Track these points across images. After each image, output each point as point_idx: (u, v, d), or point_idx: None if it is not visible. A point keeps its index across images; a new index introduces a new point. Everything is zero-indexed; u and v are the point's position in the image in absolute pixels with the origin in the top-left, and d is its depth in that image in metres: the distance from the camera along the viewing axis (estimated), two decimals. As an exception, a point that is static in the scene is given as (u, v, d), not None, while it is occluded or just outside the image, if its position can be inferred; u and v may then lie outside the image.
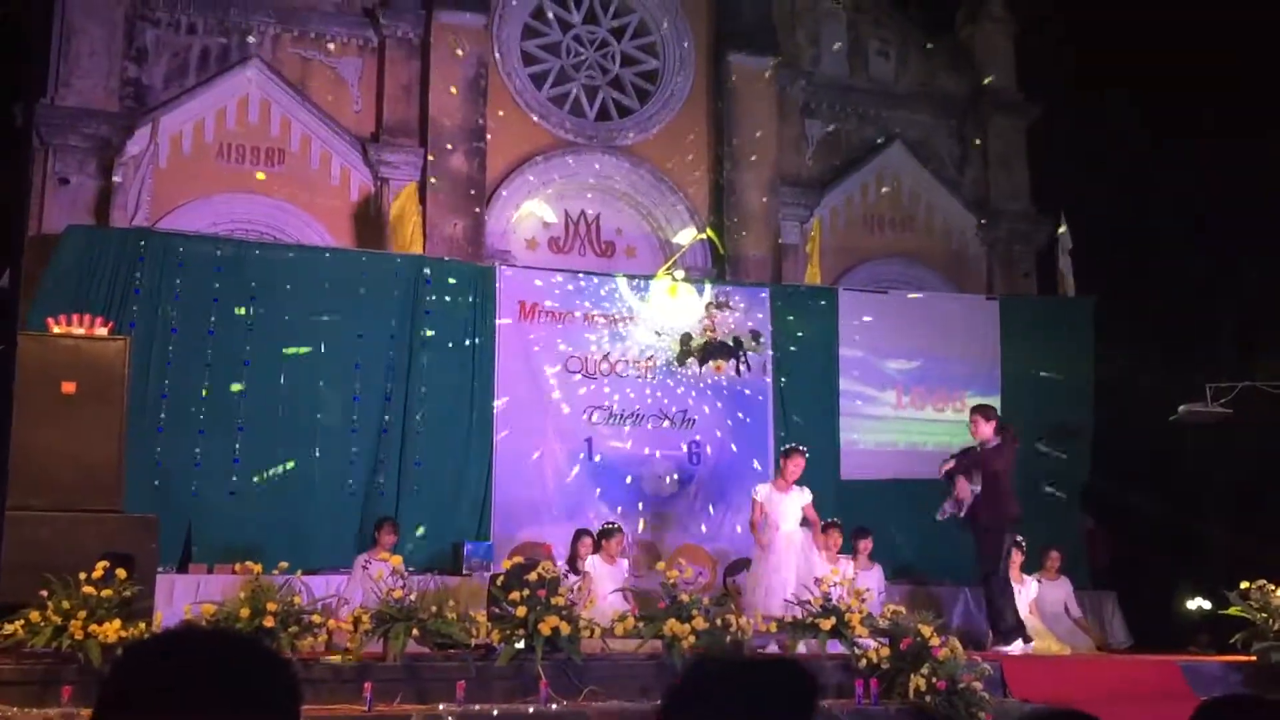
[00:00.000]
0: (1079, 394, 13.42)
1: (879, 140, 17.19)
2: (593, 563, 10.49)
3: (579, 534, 11.14)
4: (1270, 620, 9.33)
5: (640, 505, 12.19)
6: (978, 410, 10.66)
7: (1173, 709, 6.50)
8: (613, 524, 10.98)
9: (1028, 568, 11.32)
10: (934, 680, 7.91)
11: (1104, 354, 13.55)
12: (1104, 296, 13.92)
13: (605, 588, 10.11)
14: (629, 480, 12.24)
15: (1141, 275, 16.18)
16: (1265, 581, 9.62)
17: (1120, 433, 13.44)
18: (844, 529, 11.27)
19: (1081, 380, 13.45)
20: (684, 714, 1.83)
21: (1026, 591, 11.01)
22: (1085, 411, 13.44)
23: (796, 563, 10.08)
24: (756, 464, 12.53)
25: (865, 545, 11.42)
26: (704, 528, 12.40)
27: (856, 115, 17.30)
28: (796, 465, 10.44)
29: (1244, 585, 9.66)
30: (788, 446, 10.90)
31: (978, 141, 17.50)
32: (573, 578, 10.44)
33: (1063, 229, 14.21)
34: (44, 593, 7.16)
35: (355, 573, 10.19)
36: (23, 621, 7.09)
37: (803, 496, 10.42)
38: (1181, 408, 12.51)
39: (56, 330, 8.57)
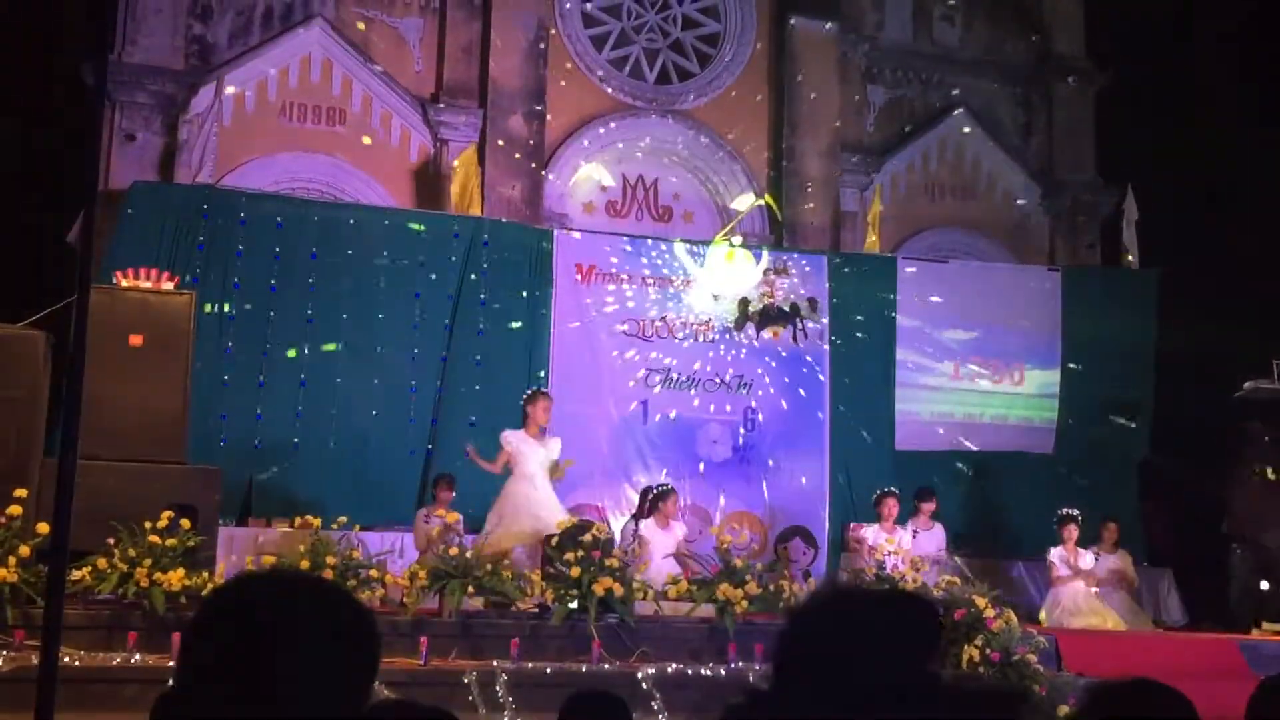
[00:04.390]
0: (1140, 368, 13.24)
1: (942, 107, 16.96)
2: (646, 526, 10.33)
3: (647, 492, 11.00)
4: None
5: (694, 470, 12.19)
6: None
7: (1231, 687, 6.43)
8: (666, 485, 10.70)
9: (1084, 541, 11.19)
10: (988, 651, 7.89)
11: (1168, 328, 13.32)
12: (1169, 269, 13.66)
13: (659, 552, 10.04)
14: (683, 444, 12.23)
15: (1208, 248, 15.85)
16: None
17: (1182, 408, 13.22)
18: (901, 498, 11.12)
19: (1143, 354, 13.25)
20: (806, 645, 1.80)
21: (1083, 565, 10.90)
22: (1146, 386, 13.25)
23: (534, 513, 9.35)
24: (821, 416, 12.48)
25: (927, 507, 11.28)
26: (757, 494, 12.39)
27: (920, 81, 17.06)
28: (544, 409, 9.79)
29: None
30: (532, 390, 10.16)
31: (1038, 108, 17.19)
32: (628, 541, 10.44)
33: (1128, 200, 13.96)
34: (110, 541, 7.32)
35: (416, 525, 10.31)
36: (90, 568, 7.26)
37: (552, 448, 9.69)
38: (1246, 384, 12.28)
39: (124, 284, 8.70)
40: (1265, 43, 16.16)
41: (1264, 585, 10.72)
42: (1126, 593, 11.39)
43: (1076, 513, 11.03)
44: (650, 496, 10.54)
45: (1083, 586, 10.83)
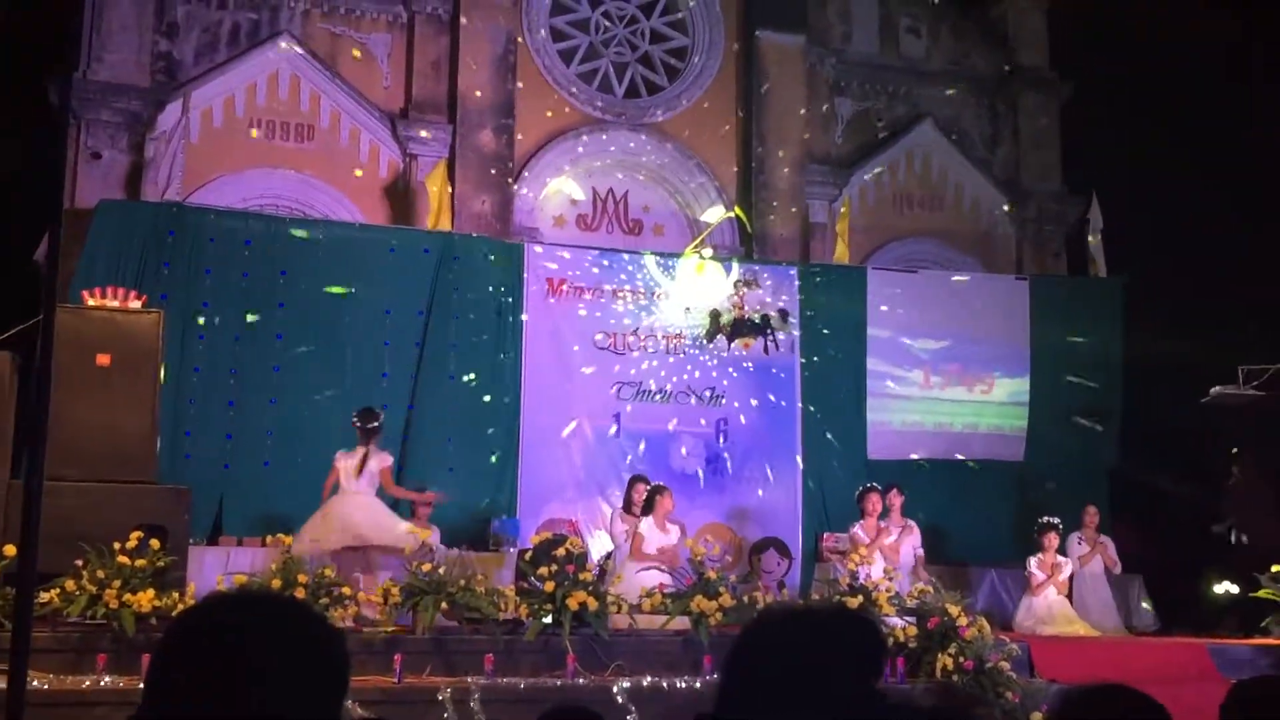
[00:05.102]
0: (1108, 376, 13.35)
1: (909, 119, 17.08)
2: (646, 524, 10.12)
3: (634, 480, 10.94)
4: (1301, 604, 9.30)
5: (667, 482, 12.18)
6: None
7: (1201, 691, 6.49)
8: (660, 483, 10.52)
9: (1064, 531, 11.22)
10: (961, 660, 7.92)
11: (1134, 335, 13.44)
12: (1135, 277, 13.80)
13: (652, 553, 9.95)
14: (656, 457, 12.23)
15: (1173, 256, 16.02)
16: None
17: (1150, 415, 13.35)
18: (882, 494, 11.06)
19: (1111, 362, 13.36)
20: (751, 664, 1.81)
21: (1061, 576, 10.89)
22: (1114, 393, 13.37)
23: (357, 519, 9.19)
24: (794, 427, 12.52)
25: (897, 500, 11.23)
26: (730, 506, 12.41)
27: (886, 93, 17.19)
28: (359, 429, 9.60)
29: (1275, 569, 9.62)
30: (358, 411, 9.81)
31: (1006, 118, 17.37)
32: (620, 526, 10.41)
33: (1093, 209, 14.10)
34: (79, 562, 7.25)
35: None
36: (58, 591, 7.19)
37: (380, 460, 9.54)
38: (1213, 390, 12.42)
39: (91, 303, 8.64)
40: (1227, 51, 16.39)
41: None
42: (1107, 580, 11.39)
43: (1058, 521, 11.06)
44: (646, 495, 10.40)
45: (1057, 595, 10.87)
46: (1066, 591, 11.01)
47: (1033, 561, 10.94)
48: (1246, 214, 15.78)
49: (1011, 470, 13.02)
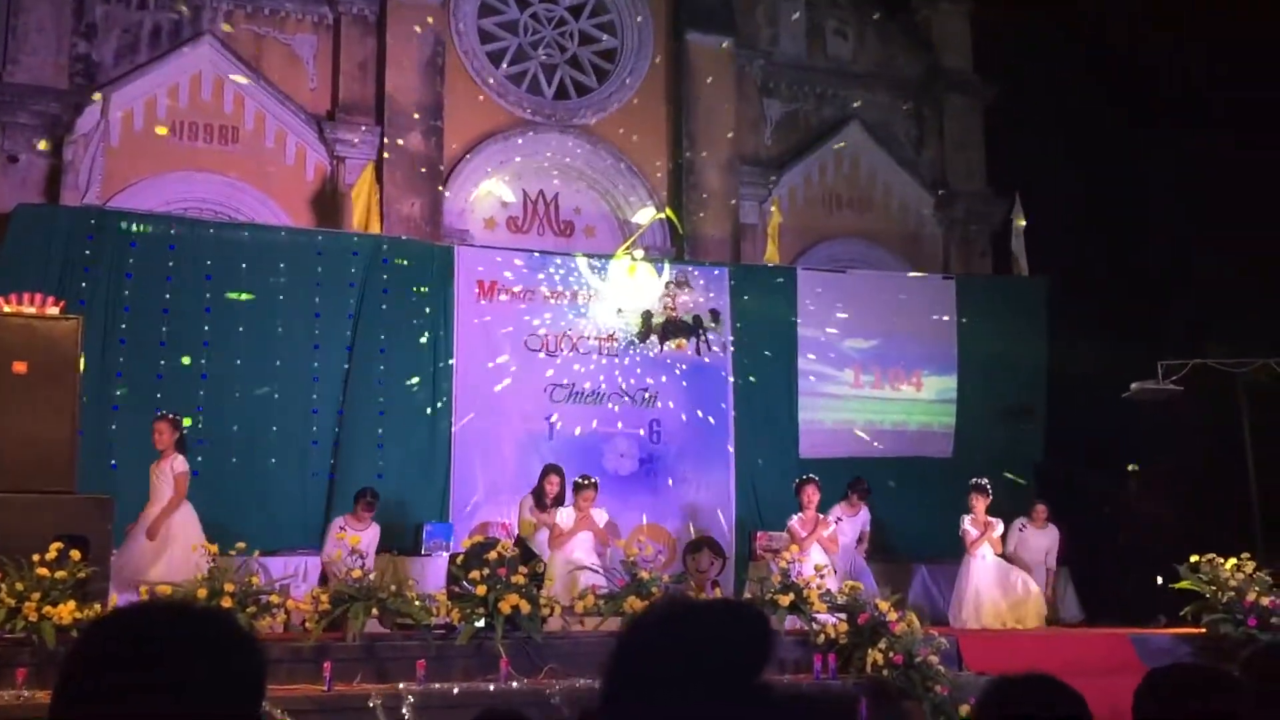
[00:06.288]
0: (1033, 373, 13.59)
1: (837, 120, 17.25)
2: (563, 516, 10.19)
3: (547, 470, 10.88)
4: (1219, 593, 9.52)
5: (600, 483, 12.18)
6: None
7: (1124, 680, 6.62)
8: (587, 477, 10.56)
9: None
10: (891, 654, 8.02)
11: (1058, 333, 13.68)
12: (1058, 276, 14.05)
13: (574, 547, 9.98)
14: (589, 458, 12.21)
15: (1095, 255, 16.35)
16: (1214, 555, 9.81)
17: (1073, 411, 13.59)
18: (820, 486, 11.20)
19: (1036, 359, 13.60)
20: (635, 662, 1.80)
21: (994, 534, 11.10)
22: (1039, 390, 13.60)
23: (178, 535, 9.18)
24: (726, 427, 12.59)
25: (856, 496, 11.61)
26: (664, 506, 12.44)
27: (815, 95, 17.34)
28: (160, 432, 9.47)
29: (1194, 559, 9.85)
30: (159, 414, 9.72)
31: (927, 118, 17.61)
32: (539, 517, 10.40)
33: (1016, 209, 14.34)
34: (-4, 575, 7.09)
35: (330, 533, 10.17)
36: (-25, 604, 7.01)
37: (176, 466, 9.40)
38: (1134, 385, 12.67)
39: (7, 309, 8.43)
40: (1145, 57, 16.75)
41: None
42: (1047, 575, 11.63)
43: (984, 482, 11.29)
44: (573, 485, 10.48)
45: (994, 555, 11.01)
46: (1001, 551, 11.21)
47: (966, 519, 11.16)
48: (1164, 213, 16.13)
49: (940, 467, 13.18)
